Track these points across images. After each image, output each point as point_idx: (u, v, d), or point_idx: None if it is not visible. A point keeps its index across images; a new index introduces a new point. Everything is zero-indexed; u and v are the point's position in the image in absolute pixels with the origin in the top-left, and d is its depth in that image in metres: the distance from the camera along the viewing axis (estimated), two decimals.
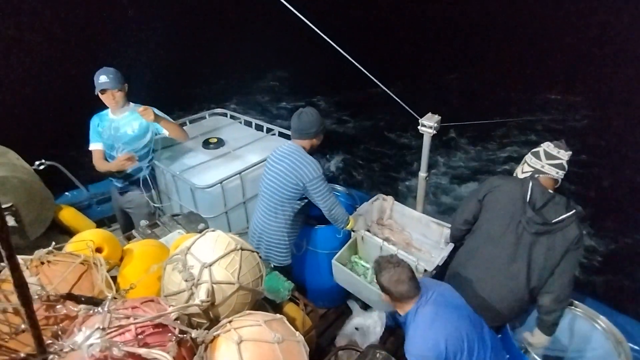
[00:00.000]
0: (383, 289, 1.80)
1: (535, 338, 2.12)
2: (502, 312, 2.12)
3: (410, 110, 2.58)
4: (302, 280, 3.01)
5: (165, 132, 2.88)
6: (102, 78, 2.65)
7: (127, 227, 3.17)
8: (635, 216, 5.58)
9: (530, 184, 2.00)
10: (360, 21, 14.01)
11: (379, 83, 2.56)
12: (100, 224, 3.26)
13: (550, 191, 2.01)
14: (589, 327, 2.26)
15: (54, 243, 1.27)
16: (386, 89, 2.62)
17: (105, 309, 0.97)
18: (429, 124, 2.52)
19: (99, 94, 2.70)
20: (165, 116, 2.88)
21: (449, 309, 1.76)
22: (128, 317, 1.00)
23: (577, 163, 6.54)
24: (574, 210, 1.97)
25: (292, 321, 1.79)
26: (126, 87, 2.78)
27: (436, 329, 1.68)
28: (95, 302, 1.10)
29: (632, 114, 8.10)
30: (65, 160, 3.07)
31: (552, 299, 2.03)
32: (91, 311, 1.00)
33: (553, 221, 1.94)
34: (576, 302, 2.33)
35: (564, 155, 2.01)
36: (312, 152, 2.52)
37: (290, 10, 2.04)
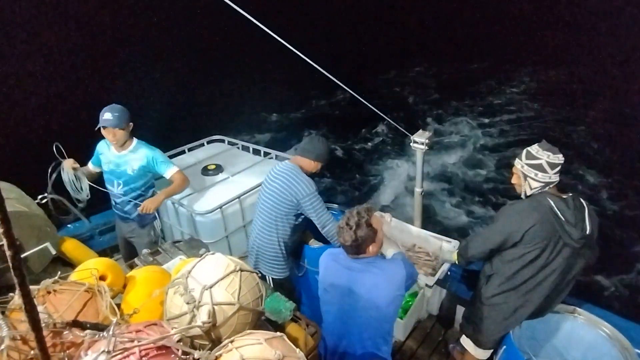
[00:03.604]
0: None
1: None
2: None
3: (402, 129, 2.66)
4: (303, 300, 3.02)
5: (166, 176, 2.91)
6: (106, 115, 2.69)
7: (130, 255, 3.20)
8: (635, 219, 5.60)
9: (551, 202, 1.96)
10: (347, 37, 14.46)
11: (373, 108, 2.63)
12: (102, 254, 3.28)
13: (564, 197, 2.01)
14: (593, 334, 2.26)
15: (59, 272, 1.31)
16: (380, 112, 2.69)
17: (110, 333, 1.00)
18: (420, 140, 2.59)
19: (101, 128, 2.74)
20: (169, 189, 2.88)
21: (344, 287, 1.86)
22: (132, 341, 1.03)
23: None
24: (586, 209, 2.01)
25: (294, 341, 1.81)
26: (131, 126, 2.81)
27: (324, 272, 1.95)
28: (100, 327, 1.13)
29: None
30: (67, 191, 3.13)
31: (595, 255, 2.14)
32: (96, 336, 1.03)
33: (587, 233, 1.97)
34: (579, 309, 2.33)
35: (562, 159, 1.99)
36: (310, 176, 2.58)
37: (282, 37, 2.14)
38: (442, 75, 11.39)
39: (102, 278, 1.47)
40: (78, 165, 2.82)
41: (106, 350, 0.95)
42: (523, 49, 12.59)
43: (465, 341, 2.45)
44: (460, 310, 2.89)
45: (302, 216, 2.56)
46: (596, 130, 8.13)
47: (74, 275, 1.47)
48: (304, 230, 2.76)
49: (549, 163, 1.96)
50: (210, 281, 1.31)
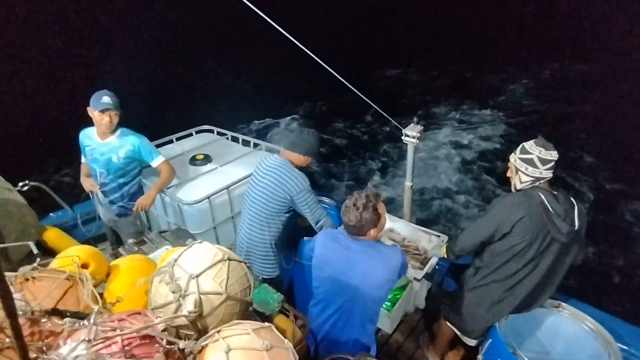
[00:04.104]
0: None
1: None
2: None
3: (394, 122, 2.65)
4: (292, 293, 2.99)
5: (153, 164, 2.87)
6: (106, 98, 2.65)
7: (117, 244, 3.14)
8: (618, 214, 5.73)
9: (542, 196, 1.99)
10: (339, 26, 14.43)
11: (365, 98, 2.61)
12: (85, 244, 3.21)
13: (555, 193, 2.04)
14: (577, 328, 2.29)
15: (38, 260, 1.26)
16: (372, 104, 2.67)
17: (91, 321, 0.96)
18: (412, 134, 2.58)
19: (97, 113, 2.66)
20: (159, 183, 2.89)
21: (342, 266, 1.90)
22: (114, 329, 0.99)
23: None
24: (576, 206, 2.04)
25: (282, 332, 1.78)
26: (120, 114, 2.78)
27: (324, 250, 1.96)
28: (81, 316, 1.09)
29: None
30: (49, 180, 3.05)
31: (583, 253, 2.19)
32: (77, 324, 0.99)
33: (576, 228, 2.00)
34: (564, 304, 2.36)
35: (555, 155, 2.01)
36: (300, 170, 2.54)
37: (275, 27, 2.10)
38: (446, 74, 11.41)
39: (84, 266, 1.42)
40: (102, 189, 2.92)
41: (86, 339, 0.91)
42: (524, 49, 12.71)
43: (451, 327, 2.48)
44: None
45: (293, 212, 2.52)
46: (594, 122, 8.29)
47: (55, 263, 1.42)
48: (292, 227, 2.71)
49: (540, 158, 1.99)
50: (197, 270, 1.27)
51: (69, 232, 2.89)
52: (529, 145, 2.05)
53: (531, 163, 2.01)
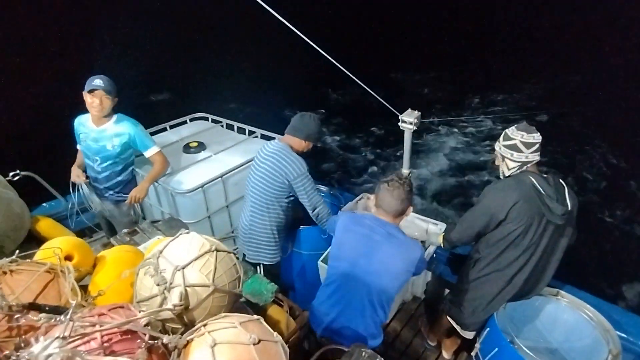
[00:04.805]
0: (378, 192, 1.95)
1: None
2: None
3: (390, 107, 2.57)
4: (288, 282, 2.97)
5: (146, 154, 2.81)
6: (97, 81, 2.58)
7: (112, 234, 3.10)
8: (618, 203, 5.69)
9: (532, 179, 1.97)
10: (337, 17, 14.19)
11: (360, 83, 2.53)
12: (80, 234, 3.17)
13: (545, 175, 2.02)
14: (576, 316, 2.27)
15: (17, 251, 1.21)
16: (367, 88, 2.60)
17: (68, 316, 0.92)
18: (409, 119, 2.51)
19: (87, 95, 2.60)
20: (152, 174, 2.82)
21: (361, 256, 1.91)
22: (93, 325, 0.95)
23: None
24: (565, 187, 2.02)
25: (276, 324, 1.75)
26: (116, 100, 2.69)
27: (347, 239, 1.95)
28: (60, 311, 1.05)
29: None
30: (42, 170, 2.99)
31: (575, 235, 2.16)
32: (53, 320, 0.95)
33: (569, 209, 1.98)
34: (562, 292, 2.34)
35: (538, 138, 2.00)
36: (301, 155, 2.49)
37: (272, 12, 2.01)
38: (456, 77, 11.25)
39: (68, 258, 1.38)
40: (88, 180, 2.89)
41: (61, 335, 0.86)
42: (534, 57, 12.55)
43: (451, 321, 2.44)
44: (445, 293, 2.88)
45: (293, 197, 2.48)
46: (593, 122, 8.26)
47: (38, 255, 1.37)
48: (294, 212, 2.67)
49: (523, 142, 1.99)
50: (183, 261, 1.22)
51: (62, 223, 2.85)
52: (511, 131, 2.05)
53: (515, 148, 2.01)
